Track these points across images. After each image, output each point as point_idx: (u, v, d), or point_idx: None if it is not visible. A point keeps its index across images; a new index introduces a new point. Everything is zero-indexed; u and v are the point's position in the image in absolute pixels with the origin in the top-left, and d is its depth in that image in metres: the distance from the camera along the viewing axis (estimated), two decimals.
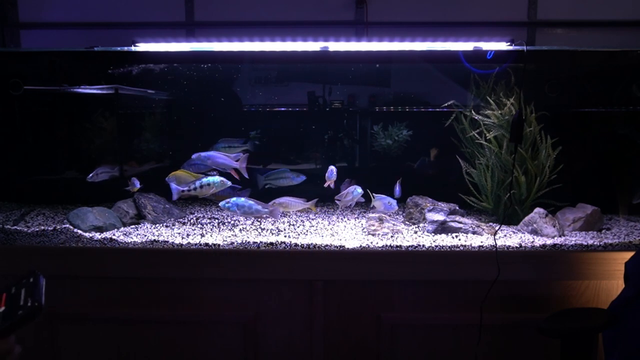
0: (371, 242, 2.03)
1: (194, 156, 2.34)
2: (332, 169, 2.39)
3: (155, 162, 2.77)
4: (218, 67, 2.84)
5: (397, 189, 2.51)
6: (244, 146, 2.54)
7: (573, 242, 2.02)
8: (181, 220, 2.43)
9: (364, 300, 1.98)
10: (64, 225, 2.08)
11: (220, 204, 2.21)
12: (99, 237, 2.07)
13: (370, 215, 2.29)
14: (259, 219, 2.43)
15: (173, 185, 2.21)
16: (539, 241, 2.04)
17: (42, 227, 2.08)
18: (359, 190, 2.33)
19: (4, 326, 0.81)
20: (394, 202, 2.34)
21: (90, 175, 2.39)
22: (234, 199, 2.21)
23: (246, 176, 2.39)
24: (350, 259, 1.96)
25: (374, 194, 2.34)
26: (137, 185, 2.37)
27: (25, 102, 2.72)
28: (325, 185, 2.40)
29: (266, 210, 2.18)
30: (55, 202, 2.70)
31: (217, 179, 2.24)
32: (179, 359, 2.01)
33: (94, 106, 2.75)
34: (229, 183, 2.29)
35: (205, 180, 2.23)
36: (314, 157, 2.92)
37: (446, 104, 2.52)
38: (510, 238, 2.11)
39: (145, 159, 2.78)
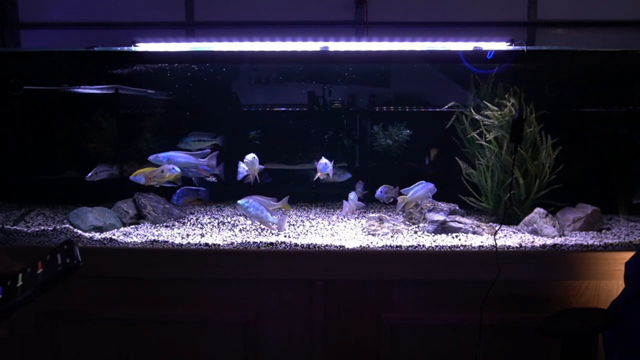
0: (371, 242, 2.03)
1: (150, 158, 2.23)
2: (325, 163, 2.34)
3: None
4: (218, 67, 2.84)
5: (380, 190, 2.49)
6: (214, 140, 2.49)
7: (573, 242, 2.02)
8: (181, 220, 2.43)
9: (364, 300, 1.98)
10: (64, 225, 2.08)
11: (240, 201, 2.14)
12: (99, 237, 2.07)
13: (370, 215, 2.29)
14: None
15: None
16: (539, 241, 2.04)
17: (42, 227, 2.08)
18: (351, 196, 2.32)
19: (44, 280, 0.85)
20: (430, 185, 2.31)
21: (90, 174, 2.38)
22: (252, 200, 2.16)
23: (217, 172, 2.28)
24: (350, 259, 1.96)
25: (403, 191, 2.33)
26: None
27: (25, 102, 2.71)
28: (317, 177, 2.38)
29: (275, 220, 2.16)
30: (55, 202, 2.69)
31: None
32: (179, 359, 2.01)
33: (94, 106, 2.75)
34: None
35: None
36: (314, 157, 2.92)
37: (447, 106, 2.51)
38: (510, 238, 2.11)
39: (145, 158, 2.78)
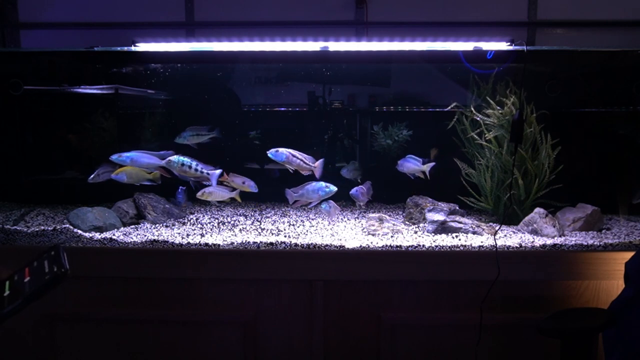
0: (371, 242, 2.03)
1: (112, 157, 2.21)
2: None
3: None
4: (218, 67, 2.84)
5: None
6: (211, 134, 2.49)
7: (573, 242, 2.02)
8: (181, 220, 2.43)
9: (364, 300, 1.98)
10: (64, 225, 2.08)
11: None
12: (99, 237, 2.06)
13: (370, 215, 2.29)
14: (261, 218, 2.44)
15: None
16: (539, 241, 2.04)
17: (42, 227, 2.08)
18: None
19: (31, 290, 0.85)
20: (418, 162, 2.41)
21: (92, 176, 2.34)
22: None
23: (176, 174, 2.25)
24: (350, 259, 1.96)
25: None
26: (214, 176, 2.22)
27: (25, 102, 2.71)
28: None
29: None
30: (55, 202, 2.70)
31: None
32: (178, 359, 2.01)
33: (94, 106, 2.75)
34: None
35: None
36: (314, 157, 2.91)
37: (450, 107, 2.50)
38: (510, 238, 2.11)
39: None
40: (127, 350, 2.01)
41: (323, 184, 2.22)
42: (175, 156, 2.18)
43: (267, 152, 2.21)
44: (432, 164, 2.40)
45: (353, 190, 2.37)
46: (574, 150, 2.45)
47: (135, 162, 2.22)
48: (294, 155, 2.21)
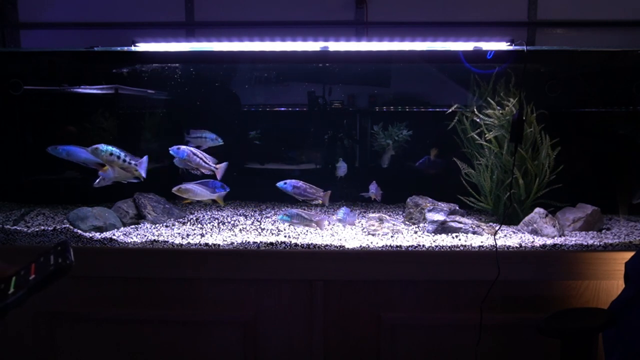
0: (371, 242, 2.03)
1: (49, 148, 2.17)
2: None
3: (155, 162, 2.76)
4: (218, 67, 2.84)
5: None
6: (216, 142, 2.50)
7: (573, 242, 2.02)
8: (181, 220, 2.43)
9: (364, 300, 1.98)
10: (64, 225, 2.08)
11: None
12: (99, 237, 2.06)
13: (370, 215, 2.29)
14: (261, 218, 2.44)
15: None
16: (539, 241, 2.04)
17: (42, 227, 2.08)
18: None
19: (35, 281, 0.84)
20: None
21: (97, 180, 2.31)
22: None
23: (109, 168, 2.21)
24: (350, 259, 1.96)
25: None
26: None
27: (25, 102, 2.71)
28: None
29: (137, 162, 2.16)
30: (55, 202, 2.69)
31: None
32: (178, 359, 2.01)
33: (94, 106, 2.75)
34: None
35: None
36: (314, 157, 2.92)
37: (450, 109, 2.50)
38: (510, 238, 2.11)
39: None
40: (127, 350, 2.01)
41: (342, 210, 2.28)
42: (102, 144, 2.13)
43: (169, 149, 2.21)
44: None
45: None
46: (574, 150, 2.45)
47: (72, 156, 2.17)
48: (194, 154, 2.22)
